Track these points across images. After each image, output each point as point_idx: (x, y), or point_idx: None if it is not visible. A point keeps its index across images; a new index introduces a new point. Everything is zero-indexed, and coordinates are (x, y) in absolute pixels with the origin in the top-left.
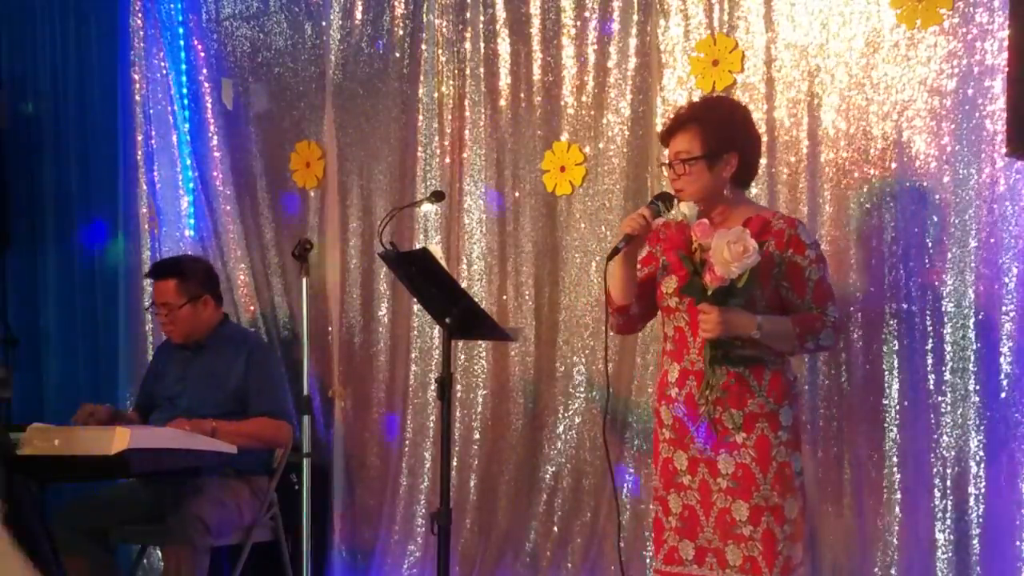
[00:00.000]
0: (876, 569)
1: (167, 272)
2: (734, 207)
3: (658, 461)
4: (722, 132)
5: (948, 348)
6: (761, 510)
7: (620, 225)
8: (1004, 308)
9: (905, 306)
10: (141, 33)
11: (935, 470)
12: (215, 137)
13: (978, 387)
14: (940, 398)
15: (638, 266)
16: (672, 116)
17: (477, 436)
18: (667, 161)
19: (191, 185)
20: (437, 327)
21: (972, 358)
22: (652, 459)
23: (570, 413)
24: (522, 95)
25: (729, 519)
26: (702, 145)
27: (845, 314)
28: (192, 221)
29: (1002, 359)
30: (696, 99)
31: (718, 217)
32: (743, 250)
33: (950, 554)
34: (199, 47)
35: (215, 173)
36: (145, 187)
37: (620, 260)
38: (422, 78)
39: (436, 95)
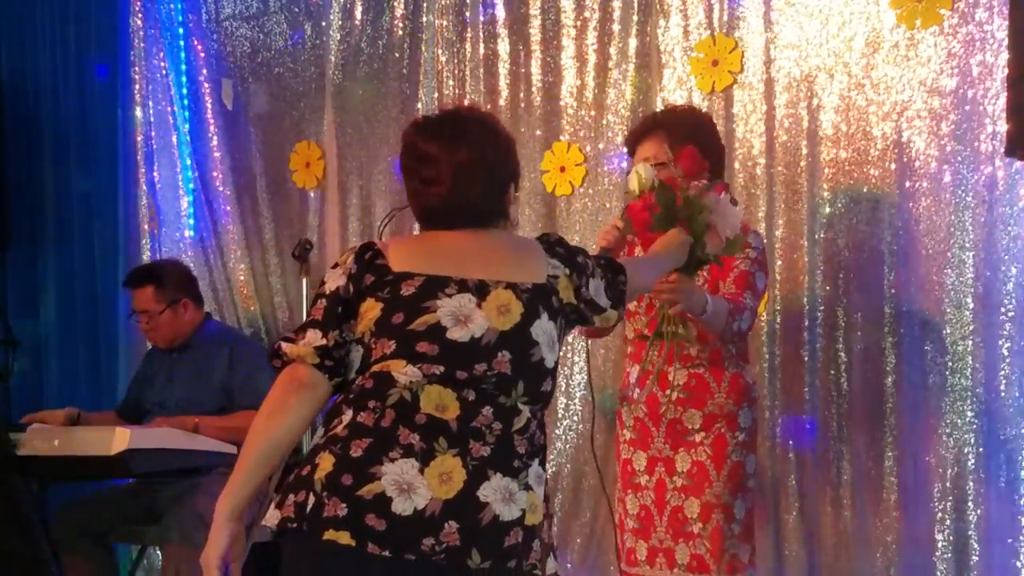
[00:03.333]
0: (876, 569)
1: (143, 279)
2: None
3: (619, 463)
4: (688, 138)
5: (948, 348)
6: (712, 507)
7: (596, 238)
8: (1003, 308)
9: (905, 306)
10: (141, 33)
11: (935, 470)
12: (215, 137)
13: (978, 387)
14: (940, 398)
15: None
16: (638, 123)
17: None
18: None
19: (191, 185)
20: None
21: (972, 358)
22: (616, 460)
23: (570, 413)
24: (522, 95)
25: (681, 517)
26: (668, 152)
27: (844, 314)
28: (192, 221)
29: (1002, 359)
30: (662, 107)
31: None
32: (738, 218)
33: (949, 554)
34: (199, 47)
35: (215, 173)
36: (145, 187)
37: None
38: (422, 78)
39: (436, 95)
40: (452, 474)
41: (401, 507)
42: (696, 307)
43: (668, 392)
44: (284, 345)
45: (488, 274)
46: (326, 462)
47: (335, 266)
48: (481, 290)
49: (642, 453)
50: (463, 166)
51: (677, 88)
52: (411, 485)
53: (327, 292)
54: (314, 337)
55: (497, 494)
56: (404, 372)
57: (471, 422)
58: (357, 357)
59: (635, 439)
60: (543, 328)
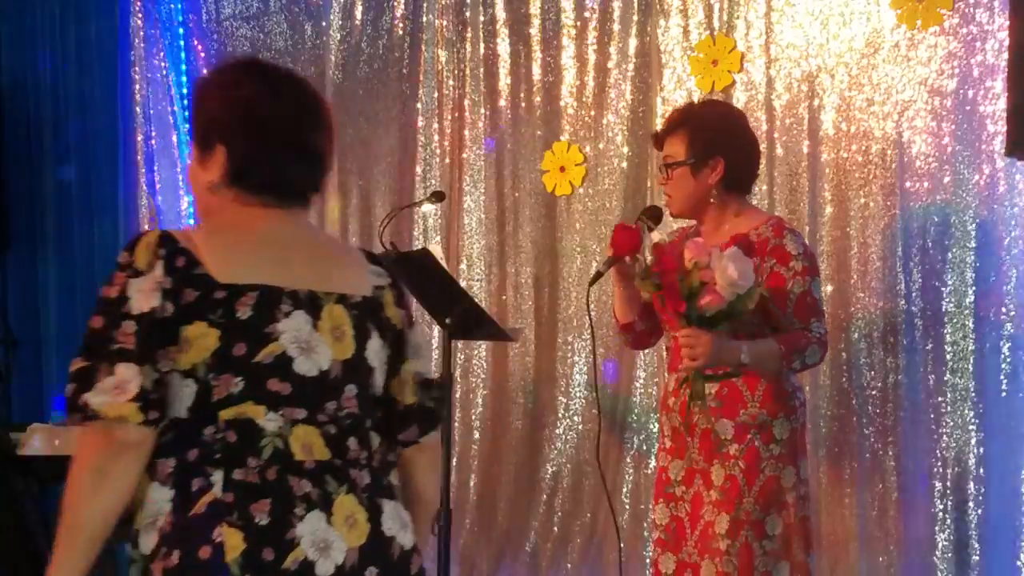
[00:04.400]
0: (876, 569)
1: None
2: (724, 214)
3: (657, 470)
4: (708, 137)
5: (948, 348)
6: (741, 524)
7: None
8: (1004, 308)
9: (905, 306)
10: (141, 33)
11: (935, 470)
12: None
13: (978, 387)
14: (940, 398)
15: None
16: (665, 119)
17: (477, 436)
18: (660, 164)
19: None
20: (437, 327)
21: (972, 358)
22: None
23: (570, 413)
24: (522, 95)
25: (710, 532)
26: (687, 150)
27: (844, 313)
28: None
29: (1002, 359)
30: (692, 101)
31: (708, 224)
32: (743, 270)
33: (950, 554)
34: (199, 47)
35: None
36: (145, 187)
37: (616, 279)
38: (422, 78)
39: (436, 95)
40: (355, 515)
41: (323, 569)
42: (728, 361)
43: (700, 402)
44: (93, 401)
45: (317, 282)
46: (233, 539)
47: (136, 273)
48: (314, 306)
49: (679, 462)
50: (326, 144)
51: (677, 88)
52: (326, 541)
53: (134, 312)
54: (127, 376)
55: (395, 523)
56: (268, 419)
57: (345, 456)
58: (188, 394)
59: (674, 447)
60: (374, 350)
